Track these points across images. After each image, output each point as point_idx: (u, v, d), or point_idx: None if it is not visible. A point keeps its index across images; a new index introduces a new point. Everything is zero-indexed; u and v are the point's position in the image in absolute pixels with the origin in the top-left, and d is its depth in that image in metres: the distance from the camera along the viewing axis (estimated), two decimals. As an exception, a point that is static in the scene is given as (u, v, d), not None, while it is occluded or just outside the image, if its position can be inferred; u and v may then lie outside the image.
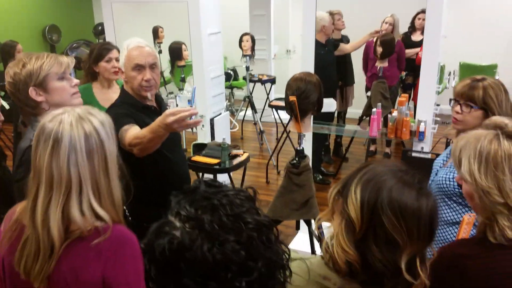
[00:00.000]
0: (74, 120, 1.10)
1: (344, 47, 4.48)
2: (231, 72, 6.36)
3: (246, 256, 0.72)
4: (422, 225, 0.95)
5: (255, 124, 5.69)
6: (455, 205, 1.79)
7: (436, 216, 0.99)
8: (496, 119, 1.29)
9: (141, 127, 1.86)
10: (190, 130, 4.67)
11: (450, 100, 1.97)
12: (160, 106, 2.16)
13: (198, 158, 3.17)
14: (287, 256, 0.81)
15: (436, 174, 1.90)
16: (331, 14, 4.47)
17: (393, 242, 0.95)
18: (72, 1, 8.10)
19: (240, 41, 5.46)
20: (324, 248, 1.03)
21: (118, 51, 2.80)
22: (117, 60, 2.74)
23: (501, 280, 1.14)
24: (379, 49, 4.00)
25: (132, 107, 2.01)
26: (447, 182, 1.79)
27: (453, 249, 1.24)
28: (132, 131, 1.84)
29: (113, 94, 2.83)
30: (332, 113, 4.54)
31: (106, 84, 2.80)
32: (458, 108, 1.88)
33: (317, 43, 4.13)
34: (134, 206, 1.72)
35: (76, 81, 1.70)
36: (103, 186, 1.13)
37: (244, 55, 5.42)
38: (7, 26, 6.94)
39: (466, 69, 5.93)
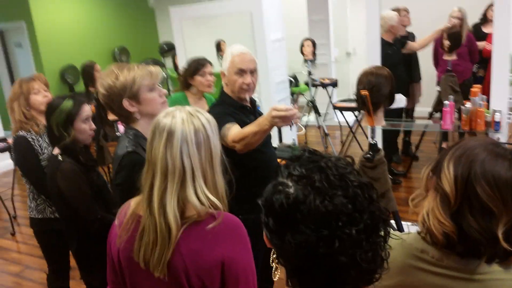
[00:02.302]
0: (185, 116, 1.21)
1: (412, 45, 4.43)
2: (292, 79, 6.46)
3: (353, 209, 0.80)
4: None
5: (319, 127, 5.73)
6: None
7: None
8: None
9: (240, 125, 1.99)
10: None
11: None
12: (254, 107, 2.29)
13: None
14: (387, 214, 0.88)
15: None
16: (397, 10, 4.44)
17: (488, 212, 0.97)
18: (138, 24, 8.61)
19: (301, 46, 5.54)
20: (421, 222, 1.07)
21: (211, 65, 3.02)
22: (211, 74, 2.98)
23: None
24: (446, 43, 3.92)
25: (231, 106, 2.15)
26: None
27: None
28: (235, 128, 1.97)
29: (202, 106, 3.04)
30: (401, 110, 4.49)
31: (198, 95, 3.03)
32: None
33: (385, 42, 4.14)
34: (229, 200, 1.86)
35: (164, 91, 1.80)
36: (209, 176, 1.22)
37: (306, 60, 5.49)
38: (81, 51, 7.52)
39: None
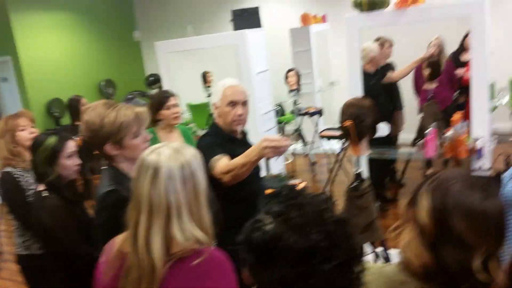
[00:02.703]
0: (171, 152, 1.23)
1: (391, 76, 4.51)
2: (278, 108, 6.55)
3: (328, 245, 0.83)
4: (490, 225, 0.99)
5: (306, 156, 5.77)
6: None
7: (504, 215, 1.02)
8: None
9: (230, 157, 2.02)
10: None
11: None
12: (246, 138, 2.34)
13: (257, 191, 3.27)
14: (360, 250, 0.90)
15: (505, 187, 1.91)
16: (382, 42, 4.56)
17: (464, 244, 0.99)
18: (124, 57, 8.69)
19: (286, 77, 5.64)
20: (400, 254, 1.09)
21: (175, 96, 2.99)
22: (176, 106, 2.94)
23: None
24: (427, 71, 4.03)
25: (222, 138, 2.19)
26: None
27: None
28: (224, 160, 1.99)
29: (176, 138, 3.01)
30: (389, 138, 4.57)
31: (168, 129, 2.97)
32: None
33: (367, 74, 4.24)
34: (218, 231, 1.85)
35: (148, 136, 1.76)
36: (194, 211, 1.23)
37: (290, 90, 5.58)
38: (67, 84, 7.54)
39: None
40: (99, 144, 1.66)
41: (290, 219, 0.84)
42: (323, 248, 0.82)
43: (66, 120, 6.64)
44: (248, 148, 2.27)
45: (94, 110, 1.67)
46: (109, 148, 1.66)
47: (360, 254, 0.91)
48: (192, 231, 1.20)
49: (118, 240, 1.31)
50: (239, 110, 2.17)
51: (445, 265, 1.01)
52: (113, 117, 1.64)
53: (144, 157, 1.24)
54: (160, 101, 2.92)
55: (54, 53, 7.48)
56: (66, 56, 7.67)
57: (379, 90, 4.37)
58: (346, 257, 0.84)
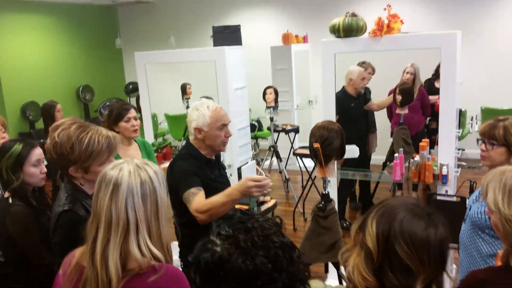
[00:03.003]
0: (132, 168, 1.25)
1: (371, 105, 4.64)
2: (256, 123, 6.61)
3: (273, 269, 0.88)
4: (432, 253, 1.05)
5: (280, 172, 5.82)
6: (488, 237, 1.88)
7: (446, 243, 1.08)
8: None
9: (204, 182, 2.04)
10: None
11: (477, 140, 2.17)
12: (218, 161, 2.32)
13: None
14: (306, 274, 0.94)
15: (470, 209, 2.00)
16: (366, 66, 4.70)
17: (407, 270, 1.04)
18: (104, 63, 8.65)
19: (264, 93, 5.72)
20: (347, 277, 1.13)
21: (136, 110, 2.96)
22: (135, 119, 2.90)
23: None
24: (399, 97, 4.15)
25: (197, 161, 2.16)
26: (479, 216, 1.89)
27: (477, 275, 1.34)
28: (201, 197, 1.96)
29: (134, 151, 2.97)
30: (363, 160, 4.68)
31: (126, 142, 2.92)
32: (483, 146, 2.10)
33: (348, 95, 4.35)
34: (184, 252, 1.98)
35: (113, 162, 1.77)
36: (154, 228, 1.25)
37: (268, 107, 5.66)
38: (44, 87, 7.46)
39: (488, 114, 5.99)
40: (64, 166, 1.64)
41: (238, 242, 0.88)
42: (268, 271, 0.86)
43: (41, 124, 6.55)
44: (221, 170, 2.30)
45: (65, 131, 1.63)
46: (73, 171, 1.64)
47: (307, 277, 0.95)
48: (149, 247, 1.22)
49: (77, 253, 1.32)
50: (229, 131, 2.18)
51: None
52: (85, 144, 1.61)
53: (105, 172, 1.26)
54: (119, 113, 2.86)
55: (33, 55, 7.40)
56: (44, 59, 7.60)
57: (360, 113, 4.49)
58: (290, 280, 0.88)
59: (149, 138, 4.07)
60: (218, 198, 1.90)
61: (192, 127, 2.15)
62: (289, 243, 0.92)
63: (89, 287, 1.20)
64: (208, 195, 1.99)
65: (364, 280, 1.07)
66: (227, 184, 2.28)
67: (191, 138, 2.22)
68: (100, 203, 1.23)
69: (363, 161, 4.90)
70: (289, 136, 6.07)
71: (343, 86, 4.48)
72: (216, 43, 3.81)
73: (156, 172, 1.29)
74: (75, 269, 1.28)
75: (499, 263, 1.52)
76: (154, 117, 6.94)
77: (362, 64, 4.78)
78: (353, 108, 4.38)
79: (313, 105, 6.96)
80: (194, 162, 2.15)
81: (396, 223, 1.06)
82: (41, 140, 5.04)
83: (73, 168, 1.63)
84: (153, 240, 1.24)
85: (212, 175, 2.18)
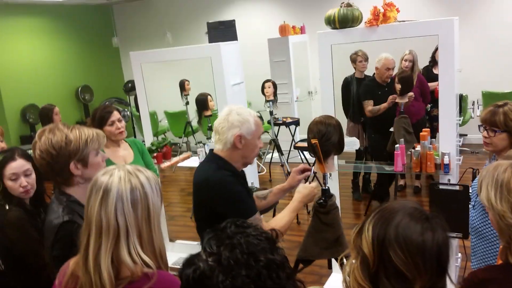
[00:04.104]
0: (123, 174, 1.24)
1: (367, 109, 4.49)
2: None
3: None
4: (428, 259, 0.99)
5: (282, 166, 5.80)
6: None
7: (445, 249, 1.02)
8: None
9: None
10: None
11: (479, 126, 2.20)
12: (243, 171, 2.15)
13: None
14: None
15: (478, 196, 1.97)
16: (356, 55, 4.65)
17: (402, 276, 1.00)
18: (102, 62, 8.62)
19: (263, 87, 5.68)
20: (343, 284, 1.11)
21: (119, 111, 2.92)
22: (119, 121, 2.86)
23: None
24: (398, 86, 4.10)
25: (234, 175, 1.97)
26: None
27: (477, 275, 1.31)
28: (265, 222, 1.91)
29: (124, 150, 2.95)
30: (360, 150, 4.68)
31: (115, 144, 2.90)
32: (485, 133, 2.13)
33: (376, 83, 4.49)
34: None
35: (105, 156, 1.77)
36: (145, 234, 1.24)
37: (267, 101, 5.63)
38: (43, 89, 7.44)
39: (489, 98, 5.95)
40: (64, 164, 1.61)
41: (220, 259, 0.85)
42: None
43: (41, 127, 6.56)
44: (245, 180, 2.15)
45: (52, 130, 1.64)
46: (73, 168, 1.62)
47: None
48: (139, 254, 1.21)
49: (72, 263, 1.31)
50: (261, 142, 2.02)
51: None
52: (77, 134, 1.64)
53: (97, 178, 1.26)
54: (101, 117, 2.83)
55: (31, 58, 7.38)
56: (43, 61, 7.57)
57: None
58: None
59: (149, 137, 4.04)
60: (286, 218, 1.95)
61: (233, 135, 1.88)
62: (278, 261, 0.87)
63: None
64: None
65: (359, 286, 1.04)
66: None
67: (220, 147, 1.93)
68: (90, 209, 1.22)
69: (365, 150, 4.88)
70: (289, 129, 6.04)
71: (373, 73, 4.56)
72: (211, 40, 3.76)
73: (148, 178, 1.27)
74: (71, 279, 1.27)
75: (499, 261, 1.49)
76: (153, 115, 6.93)
77: (354, 54, 4.75)
78: (380, 95, 4.35)
79: (313, 96, 6.92)
80: (236, 177, 1.93)
81: (392, 227, 1.02)
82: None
83: (73, 163, 1.62)
84: (144, 246, 1.23)
85: (248, 189, 2.04)
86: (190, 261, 0.89)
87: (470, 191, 2.33)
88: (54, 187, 1.85)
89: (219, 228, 0.93)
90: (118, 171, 1.25)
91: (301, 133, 6.50)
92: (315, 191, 2.11)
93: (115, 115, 2.85)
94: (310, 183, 2.21)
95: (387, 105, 4.26)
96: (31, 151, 1.70)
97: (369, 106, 4.41)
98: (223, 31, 3.77)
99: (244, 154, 1.95)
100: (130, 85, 8.18)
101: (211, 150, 2.01)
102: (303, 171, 2.27)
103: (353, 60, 4.80)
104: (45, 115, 4.50)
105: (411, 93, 4.23)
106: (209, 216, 1.93)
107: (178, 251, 3.96)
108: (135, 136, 7.33)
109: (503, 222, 1.24)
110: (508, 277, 1.22)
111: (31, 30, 7.43)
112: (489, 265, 1.52)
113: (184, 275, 0.87)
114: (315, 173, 4.63)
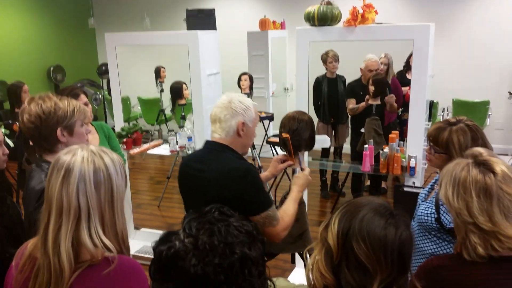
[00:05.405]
0: (86, 154, 1.21)
1: (348, 107, 4.61)
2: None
3: (224, 280, 0.83)
4: (389, 253, 1.03)
5: (253, 160, 5.81)
6: (435, 238, 1.88)
7: (408, 246, 1.06)
8: (476, 149, 1.41)
9: None
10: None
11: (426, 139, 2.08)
12: None
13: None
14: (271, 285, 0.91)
15: (419, 206, 1.99)
16: (326, 55, 4.68)
17: (363, 269, 1.03)
18: (76, 42, 8.40)
19: (239, 80, 5.66)
20: (306, 273, 1.12)
21: (86, 94, 2.85)
22: (86, 104, 2.76)
23: None
24: (371, 88, 4.16)
25: None
26: (425, 218, 1.88)
27: (432, 262, 1.36)
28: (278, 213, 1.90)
29: (90, 135, 2.90)
30: (335, 149, 4.73)
31: None
32: (428, 148, 1.96)
33: (360, 83, 4.61)
34: None
35: (89, 129, 1.87)
36: (107, 217, 1.21)
37: (243, 93, 5.61)
38: (13, 66, 7.20)
39: (459, 106, 6.09)
40: (51, 129, 1.72)
41: (197, 243, 0.84)
42: (218, 281, 0.81)
43: (8, 105, 6.35)
44: None
45: (43, 97, 1.75)
46: (59, 134, 1.73)
47: None
48: (100, 237, 1.18)
49: (30, 244, 1.28)
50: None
51: None
52: (66, 103, 1.77)
53: (59, 157, 1.22)
54: None
55: (1, 33, 7.12)
56: (15, 37, 7.32)
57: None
58: None
59: (119, 122, 3.97)
60: (292, 208, 1.98)
61: (237, 122, 1.84)
62: (253, 257, 0.86)
63: (42, 276, 1.17)
64: None
65: (321, 277, 1.06)
66: None
67: (221, 136, 1.88)
68: (51, 188, 1.19)
69: (335, 150, 4.95)
70: (263, 123, 6.05)
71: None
72: (189, 27, 3.71)
73: (113, 159, 1.25)
74: (28, 260, 1.24)
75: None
76: (126, 100, 6.81)
77: (324, 54, 4.79)
78: (362, 96, 4.41)
79: (289, 93, 6.94)
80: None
81: (357, 220, 1.05)
82: (9, 121, 4.88)
83: (60, 129, 1.73)
84: (106, 229, 1.21)
85: None
86: (167, 237, 0.87)
87: (418, 198, 2.24)
88: (27, 160, 1.85)
89: (203, 211, 0.92)
90: (82, 151, 1.22)
91: (275, 129, 6.51)
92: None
93: (82, 98, 2.76)
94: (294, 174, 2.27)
95: (365, 105, 4.32)
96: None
97: (350, 104, 4.52)
98: (202, 19, 3.73)
99: (244, 142, 1.92)
100: (104, 68, 8.01)
101: (208, 141, 1.96)
102: (283, 161, 2.34)
103: (324, 61, 4.82)
104: (13, 92, 4.36)
105: (392, 95, 4.31)
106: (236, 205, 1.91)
107: (143, 239, 3.91)
108: (106, 121, 7.20)
109: (459, 219, 1.28)
110: (461, 267, 1.27)
111: (2, 4, 7.17)
112: (445, 253, 1.59)
113: (158, 250, 0.86)
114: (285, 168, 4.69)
